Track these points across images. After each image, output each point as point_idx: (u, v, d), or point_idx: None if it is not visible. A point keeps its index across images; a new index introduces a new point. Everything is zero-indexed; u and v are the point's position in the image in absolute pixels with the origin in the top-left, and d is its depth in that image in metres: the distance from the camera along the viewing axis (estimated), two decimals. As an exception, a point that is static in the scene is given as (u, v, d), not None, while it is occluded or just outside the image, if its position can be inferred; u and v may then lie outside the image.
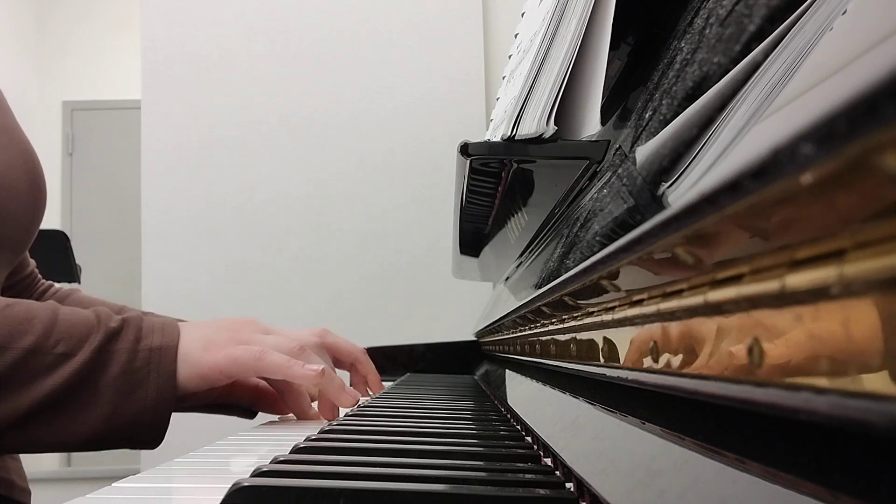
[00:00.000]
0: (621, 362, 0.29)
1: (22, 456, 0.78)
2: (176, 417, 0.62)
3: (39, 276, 0.89)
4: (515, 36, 0.78)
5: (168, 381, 0.60)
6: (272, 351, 0.65)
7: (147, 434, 0.60)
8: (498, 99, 0.79)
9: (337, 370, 0.96)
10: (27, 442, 0.58)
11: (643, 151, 0.33)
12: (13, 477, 0.75)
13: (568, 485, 0.34)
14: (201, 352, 0.63)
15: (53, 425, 0.57)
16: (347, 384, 1.00)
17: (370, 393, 0.92)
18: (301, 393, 0.72)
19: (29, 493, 0.77)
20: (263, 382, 0.74)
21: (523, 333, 0.63)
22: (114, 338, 0.59)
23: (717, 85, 0.25)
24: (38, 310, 0.59)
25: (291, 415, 0.78)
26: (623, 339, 0.29)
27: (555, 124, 0.49)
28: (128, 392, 0.58)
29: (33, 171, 0.74)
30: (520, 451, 0.44)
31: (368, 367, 0.90)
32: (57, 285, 0.91)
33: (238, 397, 0.75)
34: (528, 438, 0.50)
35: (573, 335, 0.40)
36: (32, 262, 0.88)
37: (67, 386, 0.57)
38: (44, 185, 0.76)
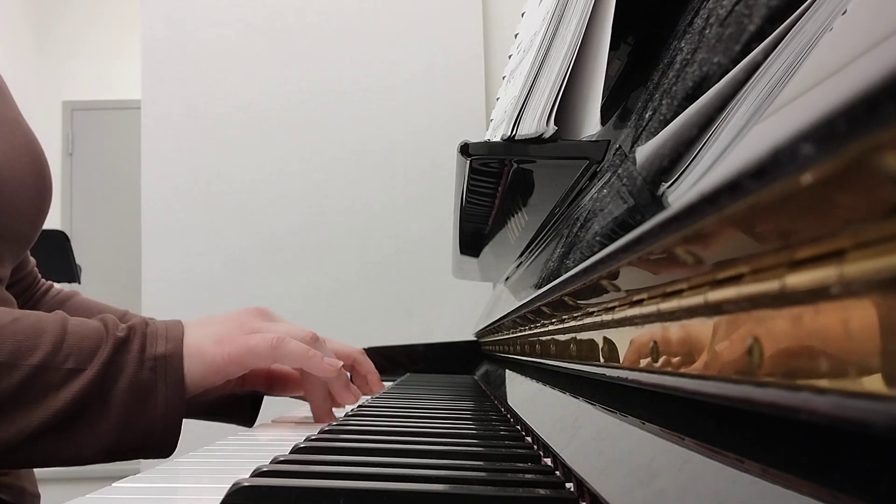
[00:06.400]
0: (621, 362, 0.29)
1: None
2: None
3: (39, 275, 0.89)
4: (515, 36, 0.78)
5: (176, 388, 0.59)
6: (289, 338, 0.64)
7: (158, 443, 0.59)
8: (498, 99, 0.79)
9: None
10: (38, 458, 0.57)
11: (643, 151, 0.32)
12: (24, 483, 0.74)
13: (568, 485, 0.34)
14: (214, 346, 0.62)
15: (64, 441, 0.56)
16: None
17: (371, 392, 0.92)
18: (320, 379, 0.70)
19: (39, 497, 0.77)
20: (277, 365, 0.73)
21: (523, 333, 0.63)
22: (121, 348, 0.58)
23: (717, 85, 0.25)
24: (47, 323, 0.57)
25: (291, 414, 0.78)
26: (623, 339, 0.29)
27: (555, 124, 0.49)
28: (137, 403, 0.57)
29: (38, 162, 0.73)
30: (520, 451, 0.44)
31: (368, 367, 0.91)
32: (57, 286, 0.91)
33: (253, 383, 0.74)
34: (528, 438, 0.50)
35: (573, 335, 0.40)
36: (33, 261, 0.87)
37: (77, 402, 0.55)
38: (49, 178, 0.75)
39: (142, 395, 0.58)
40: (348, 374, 0.72)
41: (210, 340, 0.62)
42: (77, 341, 0.57)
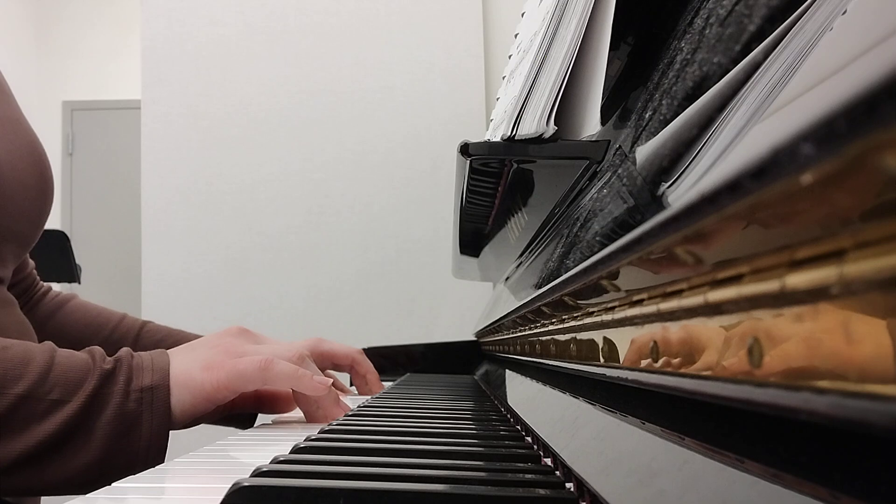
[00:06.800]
0: (621, 362, 0.29)
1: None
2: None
3: (38, 278, 0.89)
4: (515, 36, 0.78)
5: (162, 418, 0.59)
6: (277, 359, 0.63)
7: (142, 471, 0.59)
8: (498, 99, 0.79)
9: (337, 373, 0.97)
10: (19, 487, 0.56)
11: (643, 151, 0.32)
12: None
13: (568, 485, 0.34)
14: (202, 373, 0.61)
15: (46, 471, 0.56)
16: (347, 384, 1.00)
17: (371, 392, 0.92)
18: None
19: (39, 498, 0.77)
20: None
21: (523, 333, 0.63)
22: (107, 380, 0.58)
23: (717, 85, 0.25)
24: (35, 353, 0.57)
25: (290, 415, 0.78)
26: (623, 339, 0.29)
27: (555, 124, 0.49)
28: (121, 435, 0.57)
29: (40, 162, 0.73)
30: (520, 451, 0.44)
31: (367, 367, 0.91)
32: (56, 287, 0.91)
33: (241, 405, 0.74)
34: (528, 438, 0.50)
35: (573, 335, 0.40)
36: (32, 263, 0.87)
37: (60, 433, 0.55)
38: (51, 178, 0.75)
39: (126, 427, 0.57)
40: (338, 393, 0.71)
41: (197, 367, 0.62)
42: (63, 372, 0.57)
